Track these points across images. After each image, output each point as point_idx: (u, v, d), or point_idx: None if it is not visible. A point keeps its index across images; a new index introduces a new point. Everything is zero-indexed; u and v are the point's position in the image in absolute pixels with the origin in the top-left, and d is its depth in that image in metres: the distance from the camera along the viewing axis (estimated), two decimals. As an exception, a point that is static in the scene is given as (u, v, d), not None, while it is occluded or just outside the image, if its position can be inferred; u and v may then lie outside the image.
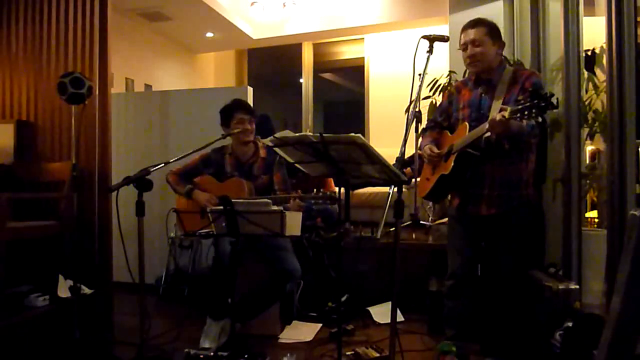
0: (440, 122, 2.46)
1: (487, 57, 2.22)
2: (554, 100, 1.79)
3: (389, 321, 2.04)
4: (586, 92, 2.89)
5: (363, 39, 6.63)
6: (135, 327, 2.35)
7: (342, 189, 1.95)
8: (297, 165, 1.99)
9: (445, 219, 3.04)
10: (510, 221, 2.21)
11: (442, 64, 4.08)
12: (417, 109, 2.57)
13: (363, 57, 6.68)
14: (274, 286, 2.66)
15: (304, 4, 6.13)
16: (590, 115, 2.87)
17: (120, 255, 2.23)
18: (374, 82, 6.56)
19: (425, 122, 2.65)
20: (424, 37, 2.45)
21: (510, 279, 2.25)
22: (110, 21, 3.01)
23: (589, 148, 3.09)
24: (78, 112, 2.65)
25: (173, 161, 2.36)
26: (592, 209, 3.13)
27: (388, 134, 4.96)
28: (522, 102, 1.84)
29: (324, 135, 1.73)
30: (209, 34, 6.33)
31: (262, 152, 2.89)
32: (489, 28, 2.24)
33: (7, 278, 2.55)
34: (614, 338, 1.08)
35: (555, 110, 2.49)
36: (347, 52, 7.19)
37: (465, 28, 2.27)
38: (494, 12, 3.65)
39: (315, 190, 2.50)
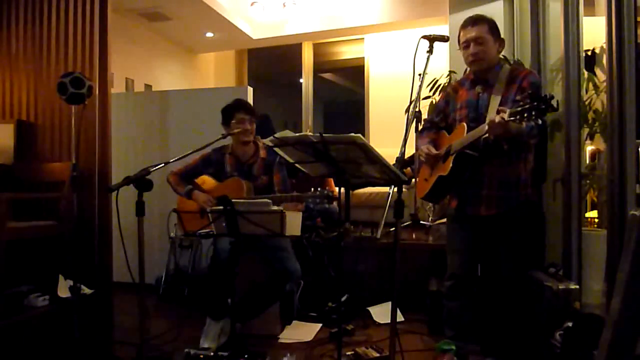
0: (437, 122, 2.46)
1: (489, 54, 2.22)
2: (554, 102, 1.78)
3: (389, 321, 2.04)
4: (586, 92, 2.89)
5: (363, 39, 6.62)
6: (135, 327, 2.35)
7: (342, 189, 1.95)
8: (297, 165, 1.98)
9: (445, 219, 3.04)
10: (509, 221, 2.21)
11: (442, 64, 4.08)
12: (417, 109, 2.57)
13: (363, 57, 6.67)
14: (274, 286, 2.66)
15: (304, 4, 6.12)
16: (590, 115, 2.87)
17: (120, 255, 2.23)
18: (374, 82, 6.55)
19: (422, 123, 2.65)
20: (424, 37, 2.44)
21: (510, 279, 2.25)
22: (110, 21, 3.01)
23: (589, 148, 3.09)
24: (78, 112, 2.65)
25: (173, 161, 2.35)
26: (592, 209, 3.13)
27: (388, 134, 4.95)
28: (522, 103, 1.82)
29: (324, 135, 1.72)
30: (209, 34, 6.32)
31: (263, 153, 2.88)
32: (490, 25, 2.23)
33: (7, 278, 2.54)
34: (614, 338, 1.09)
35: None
36: (347, 52, 7.18)
37: (465, 25, 2.26)
38: (494, 12, 3.63)
39: (312, 189, 2.49)
